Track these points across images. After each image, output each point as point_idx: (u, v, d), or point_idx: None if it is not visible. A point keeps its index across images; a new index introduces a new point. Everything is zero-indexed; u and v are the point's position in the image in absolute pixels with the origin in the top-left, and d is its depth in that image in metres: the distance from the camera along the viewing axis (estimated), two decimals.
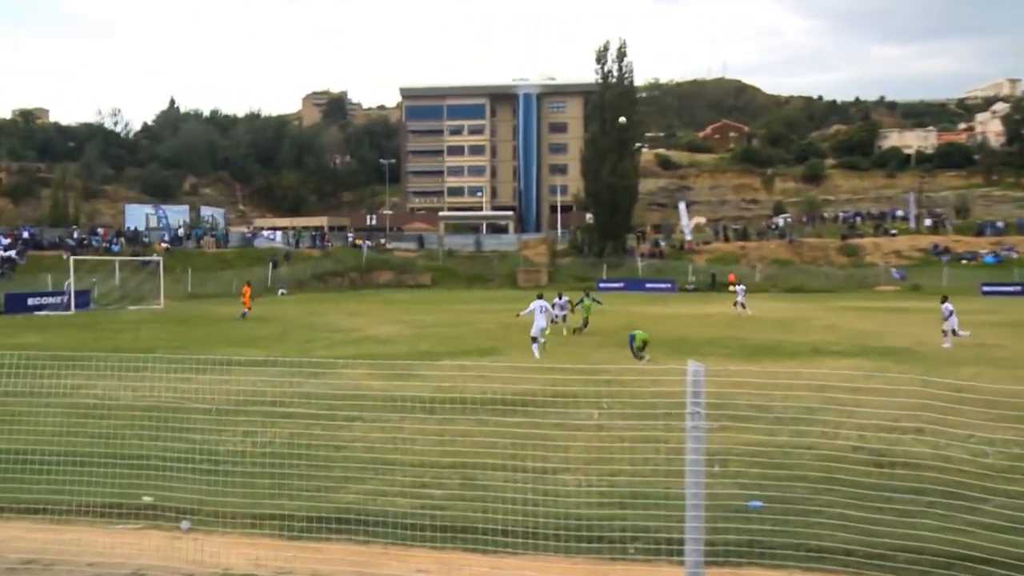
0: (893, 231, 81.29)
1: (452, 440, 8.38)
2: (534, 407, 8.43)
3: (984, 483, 7.21)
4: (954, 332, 23.99)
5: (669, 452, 7.59)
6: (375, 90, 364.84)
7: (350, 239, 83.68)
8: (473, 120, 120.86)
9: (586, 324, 28.64)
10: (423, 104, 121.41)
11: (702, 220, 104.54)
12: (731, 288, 43.39)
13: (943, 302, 24.78)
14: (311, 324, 32.56)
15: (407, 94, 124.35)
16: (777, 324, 32.46)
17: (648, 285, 65.78)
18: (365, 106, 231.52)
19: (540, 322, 22.06)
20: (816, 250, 75.76)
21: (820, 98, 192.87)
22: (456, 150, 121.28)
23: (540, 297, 23.10)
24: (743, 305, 38.12)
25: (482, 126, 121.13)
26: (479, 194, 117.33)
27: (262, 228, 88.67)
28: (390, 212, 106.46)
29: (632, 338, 22.02)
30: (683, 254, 76.98)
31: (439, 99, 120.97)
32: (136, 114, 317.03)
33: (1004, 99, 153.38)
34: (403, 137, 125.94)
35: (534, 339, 21.65)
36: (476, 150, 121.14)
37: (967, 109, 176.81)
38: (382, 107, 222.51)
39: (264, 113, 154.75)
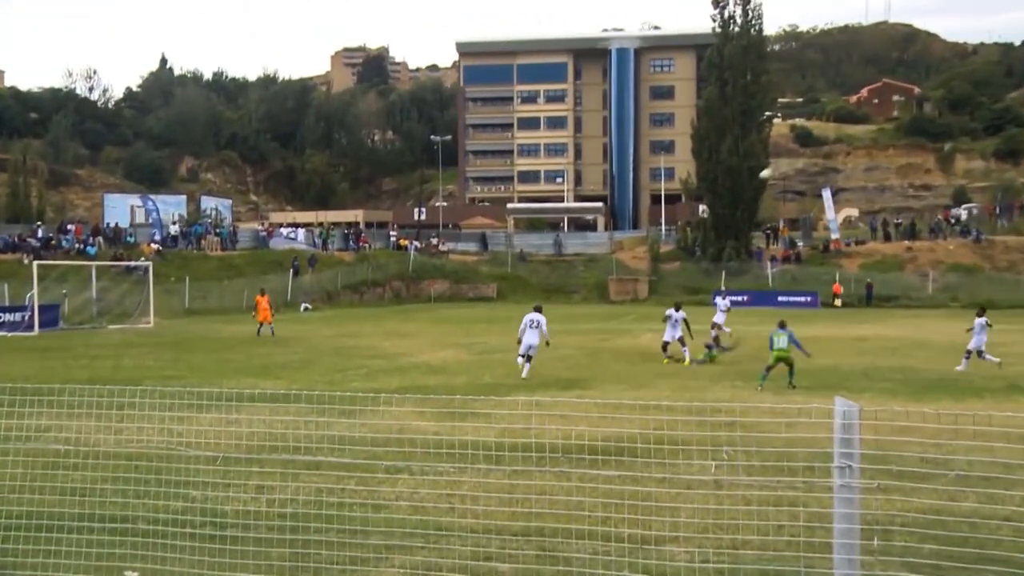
0: None
1: (525, 499, 8.39)
2: (631, 457, 8.39)
3: None
4: (979, 354, 26.06)
5: (810, 519, 7.47)
6: (425, 46, 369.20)
7: (393, 239, 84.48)
8: (552, 84, 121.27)
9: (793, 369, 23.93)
10: (487, 64, 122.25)
11: (854, 213, 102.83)
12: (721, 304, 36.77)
13: (980, 315, 26.72)
14: (343, 348, 32.96)
15: (466, 51, 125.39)
16: (958, 351, 31.69)
17: (781, 298, 65.02)
18: (412, 66, 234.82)
19: (529, 339, 23.84)
20: (1014, 252, 73.88)
21: None
22: (530, 123, 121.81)
23: (538, 310, 24.63)
24: (718, 326, 33.07)
25: (563, 92, 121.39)
26: (559, 180, 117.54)
27: (280, 224, 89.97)
28: (444, 204, 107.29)
29: (771, 342, 22.13)
30: (828, 258, 75.79)
31: (508, 57, 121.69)
32: (118, 78, 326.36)
33: None
34: (461, 107, 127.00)
35: (524, 356, 23.80)
36: (555, 123, 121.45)
37: None
38: (434, 68, 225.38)
39: (282, 76, 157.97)
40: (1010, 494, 7.84)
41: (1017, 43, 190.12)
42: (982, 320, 26.58)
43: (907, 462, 7.65)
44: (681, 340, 28.45)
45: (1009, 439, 8.86)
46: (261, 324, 38.07)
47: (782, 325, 22.86)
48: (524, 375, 23.29)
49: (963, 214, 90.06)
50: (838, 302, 63.32)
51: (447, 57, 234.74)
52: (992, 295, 63.75)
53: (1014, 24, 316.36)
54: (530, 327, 23.91)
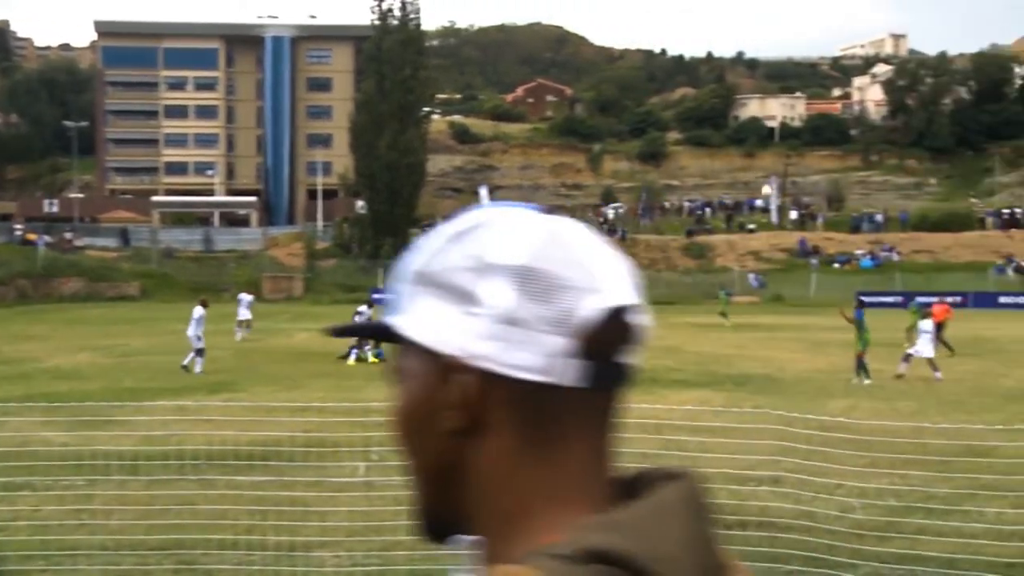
0: (751, 226, 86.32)
1: (164, 510, 8.13)
2: (281, 461, 8.32)
3: (854, 544, 7.68)
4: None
5: None
6: (56, 22, 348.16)
7: (18, 233, 79.94)
8: (202, 71, 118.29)
9: None
10: (129, 45, 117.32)
11: None
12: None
13: (369, 305, 30.35)
14: None
15: (105, 30, 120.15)
16: None
17: None
18: (40, 44, 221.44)
19: (189, 329, 25.77)
20: (655, 250, 78.93)
21: (663, 53, 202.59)
22: (177, 111, 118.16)
23: (202, 304, 26.88)
24: (246, 324, 36.27)
25: (215, 80, 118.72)
26: (210, 173, 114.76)
27: None
28: (80, 196, 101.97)
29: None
30: None
31: (153, 39, 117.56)
32: None
33: (886, 60, 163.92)
34: (100, 91, 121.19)
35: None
36: (206, 112, 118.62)
37: (844, 71, 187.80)
38: (66, 47, 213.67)
39: None
40: None
41: (657, 50, 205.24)
42: (367, 310, 30.10)
43: None
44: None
45: (645, 430, 9.53)
46: None
47: None
48: (197, 369, 25.05)
49: (610, 213, 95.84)
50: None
51: (83, 36, 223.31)
52: None
53: (656, 33, 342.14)
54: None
